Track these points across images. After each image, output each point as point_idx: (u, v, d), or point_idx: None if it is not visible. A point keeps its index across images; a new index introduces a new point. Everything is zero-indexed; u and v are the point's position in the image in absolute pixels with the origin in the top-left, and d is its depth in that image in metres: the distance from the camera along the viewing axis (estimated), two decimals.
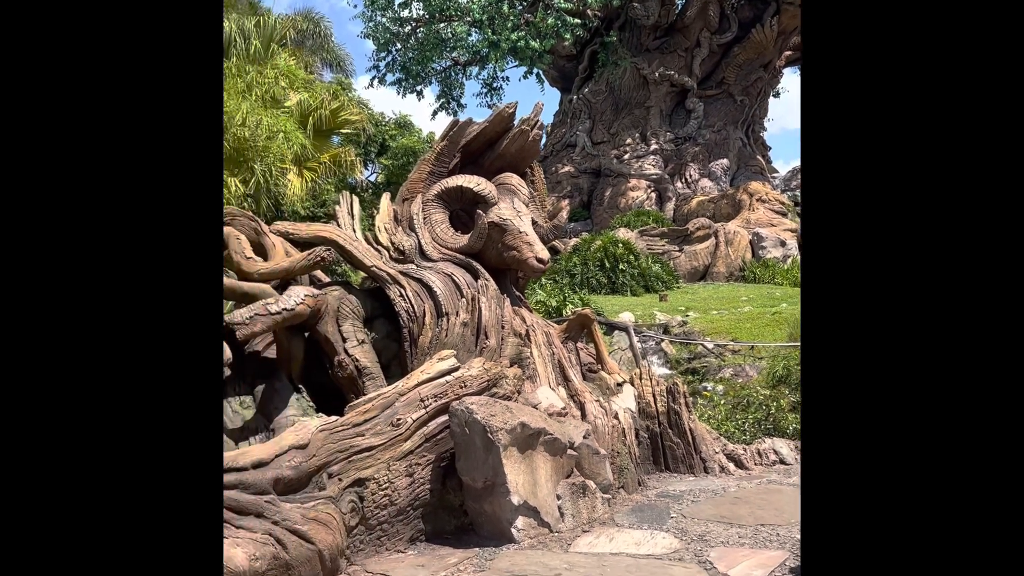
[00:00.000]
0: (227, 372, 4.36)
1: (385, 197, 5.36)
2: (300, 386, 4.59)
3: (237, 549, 2.62)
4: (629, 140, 23.89)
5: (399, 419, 3.55)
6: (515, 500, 3.44)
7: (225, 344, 3.91)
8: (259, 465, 2.96)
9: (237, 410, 4.35)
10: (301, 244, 5.02)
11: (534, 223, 5.08)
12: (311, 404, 4.51)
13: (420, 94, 24.27)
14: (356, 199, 5.39)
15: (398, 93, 23.20)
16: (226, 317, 4.19)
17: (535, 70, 22.41)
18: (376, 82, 23.01)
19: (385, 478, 3.38)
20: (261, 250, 4.79)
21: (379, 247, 5.00)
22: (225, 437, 4.01)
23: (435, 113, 26.24)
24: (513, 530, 3.44)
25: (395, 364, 4.78)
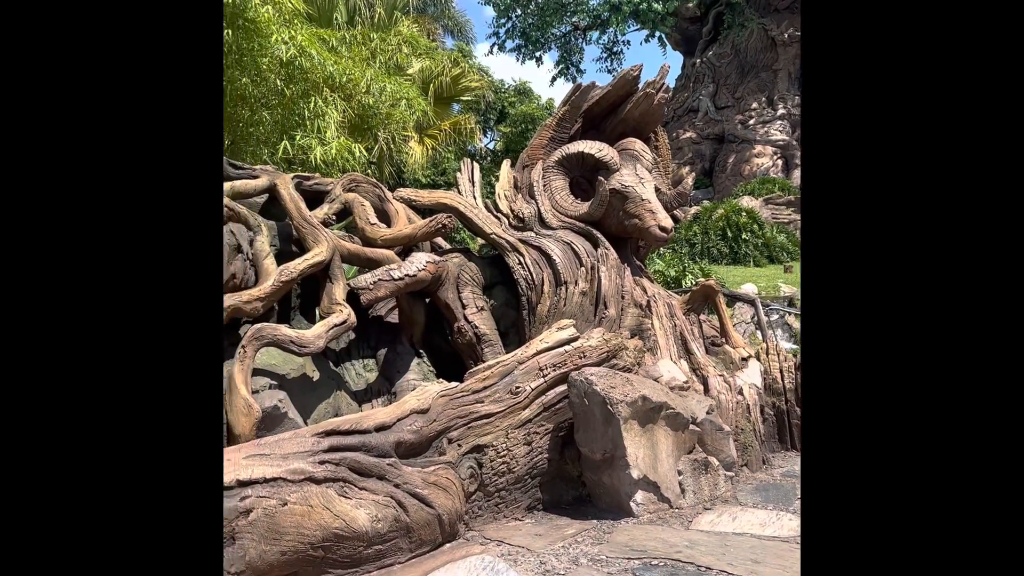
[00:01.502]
0: (351, 335, 4.47)
1: (505, 164, 5.32)
2: (421, 351, 4.65)
3: (360, 510, 2.67)
4: (755, 104, 22.96)
5: (518, 387, 3.53)
6: (635, 474, 3.36)
7: (350, 308, 4.00)
8: (381, 428, 3.00)
9: (360, 372, 4.46)
10: (422, 211, 5.07)
11: (657, 190, 4.93)
12: (431, 369, 4.57)
13: (539, 60, 24.10)
14: (477, 166, 5.38)
15: (517, 60, 23.13)
16: (351, 282, 4.28)
17: (657, 33, 21.82)
18: (495, 49, 23.01)
19: (503, 445, 3.38)
20: (384, 216, 4.86)
21: (499, 214, 4.98)
22: (349, 399, 4.12)
23: (554, 79, 26.03)
24: (632, 504, 3.37)
25: (513, 332, 4.77)
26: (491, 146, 23.46)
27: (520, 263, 4.63)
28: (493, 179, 8.85)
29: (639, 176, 4.80)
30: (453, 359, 4.69)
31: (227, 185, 4.25)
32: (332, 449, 2.77)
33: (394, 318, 4.78)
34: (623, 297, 4.52)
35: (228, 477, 2.49)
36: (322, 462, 2.70)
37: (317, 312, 4.56)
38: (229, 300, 3.50)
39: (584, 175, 5.01)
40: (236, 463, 2.57)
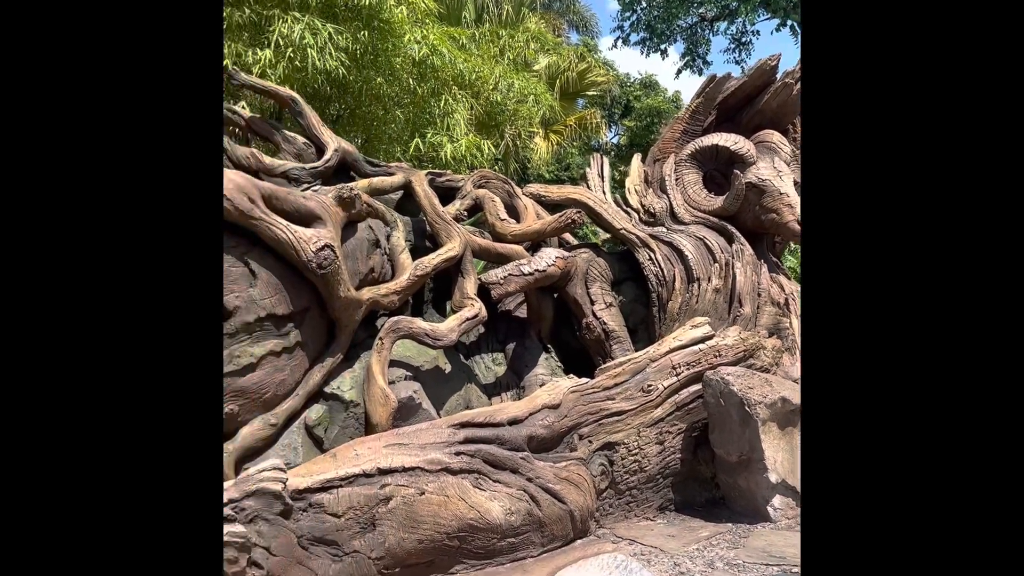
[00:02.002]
0: (481, 329, 4.53)
1: (636, 158, 5.25)
2: (548, 346, 4.66)
3: (494, 503, 2.70)
4: None
5: (650, 385, 3.48)
6: (773, 478, 3.25)
7: (481, 302, 4.05)
8: (514, 422, 3.02)
9: (489, 366, 4.51)
10: (550, 206, 5.07)
11: (796, 184, 4.74)
12: (559, 364, 4.57)
13: (664, 53, 23.62)
14: (606, 161, 5.33)
15: (641, 53, 22.77)
16: (481, 277, 4.33)
17: (789, 22, 20.97)
18: (620, 43, 22.74)
19: (635, 443, 3.33)
20: (514, 212, 4.88)
21: (628, 209, 4.92)
22: (478, 391, 4.17)
23: (679, 72, 25.47)
24: (769, 508, 3.25)
25: (642, 329, 4.70)
26: (615, 141, 23.26)
27: (651, 259, 4.56)
28: (617, 174, 8.76)
29: (777, 169, 4.63)
30: (581, 355, 4.67)
31: (364, 182, 4.38)
32: (467, 441, 2.81)
33: (522, 313, 4.81)
34: (759, 295, 4.38)
35: (369, 464, 2.56)
36: (458, 453, 2.75)
37: (448, 306, 4.65)
38: (368, 293, 3.61)
39: (718, 169, 4.87)
40: (377, 451, 2.65)
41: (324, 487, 2.48)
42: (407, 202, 4.76)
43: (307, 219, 3.39)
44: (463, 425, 2.89)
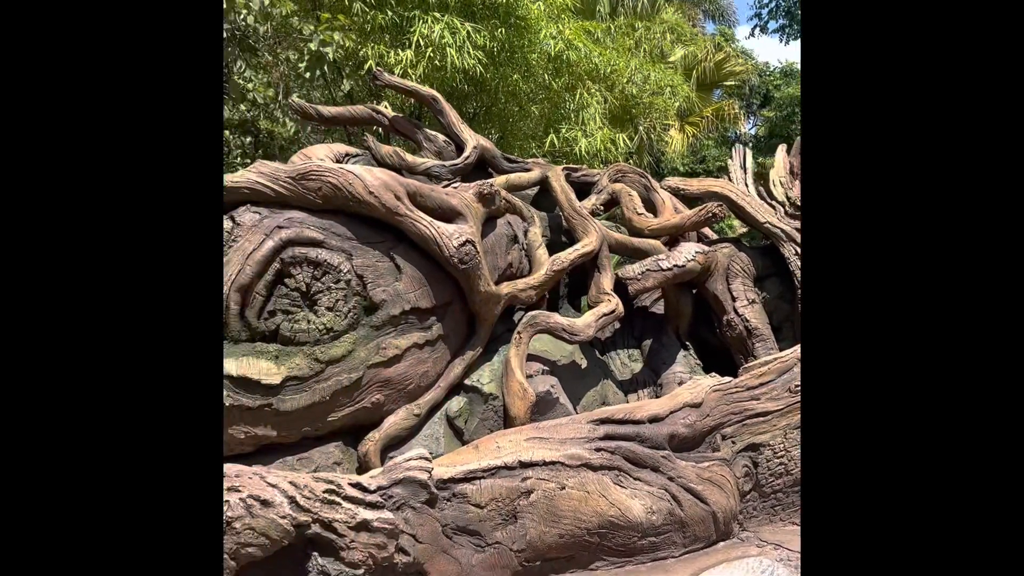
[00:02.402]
0: (616, 325, 4.49)
1: (781, 148, 5.06)
2: (687, 343, 4.57)
3: (635, 500, 2.67)
4: None
5: (798, 386, 3.34)
6: None
7: (618, 298, 4.02)
8: (655, 420, 2.98)
9: (625, 362, 4.47)
10: (688, 200, 4.96)
11: None
12: (698, 362, 4.47)
13: None
14: (749, 152, 5.16)
15: (780, 40, 21.88)
16: (618, 272, 4.29)
17: None
18: (757, 31, 21.97)
19: (781, 446, 3.21)
20: (651, 206, 4.82)
21: (773, 202, 4.74)
22: (615, 388, 4.14)
23: None
24: None
25: (787, 327, 4.53)
26: (754, 132, 22.51)
27: (797, 254, 4.38)
28: (755, 166, 8.46)
29: None
30: (720, 353, 4.55)
31: (502, 178, 4.43)
32: (607, 437, 2.80)
33: (659, 309, 4.74)
34: None
35: (511, 457, 2.59)
36: (598, 449, 2.73)
37: (583, 301, 4.64)
38: (507, 288, 3.65)
39: None
40: (518, 444, 2.68)
41: (467, 478, 2.52)
42: (542, 197, 4.79)
43: (449, 215, 3.47)
44: (603, 421, 2.88)
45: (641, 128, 10.16)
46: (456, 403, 3.46)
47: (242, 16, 6.35)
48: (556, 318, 3.69)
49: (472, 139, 4.58)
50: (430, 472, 2.44)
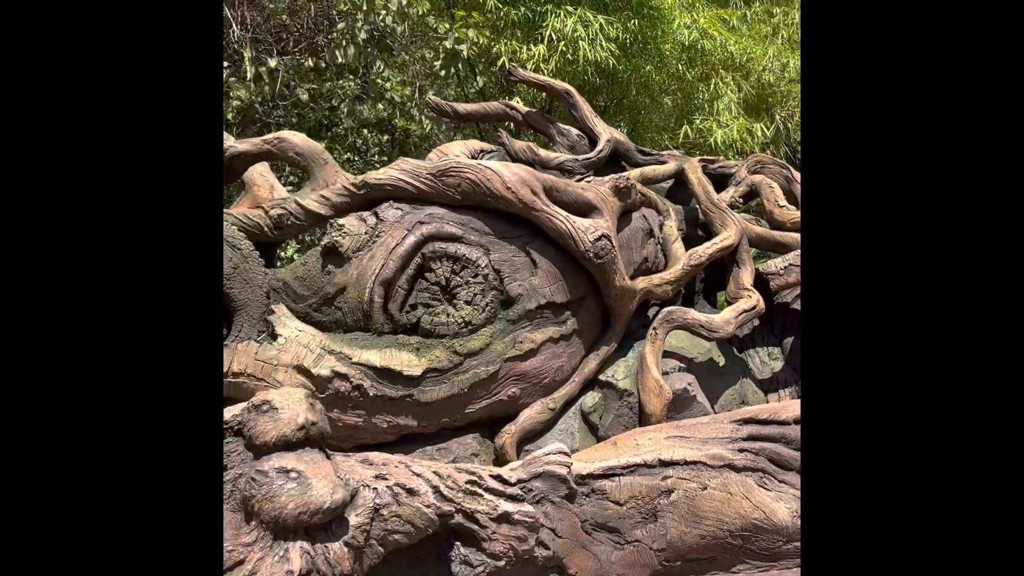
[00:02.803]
0: (756, 322, 4.35)
1: None
2: None
3: (780, 504, 2.58)
4: None
5: None
6: None
7: (758, 294, 3.89)
8: (801, 421, 2.86)
9: (765, 360, 4.32)
10: None
11: None
12: None
13: None
14: None
15: None
16: (759, 267, 4.15)
17: None
18: None
19: None
20: (792, 198, 4.63)
21: None
22: (754, 387, 4.01)
23: None
24: None
25: None
26: None
27: None
28: None
29: None
30: None
31: (637, 171, 4.38)
32: (751, 438, 2.71)
33: (800, 305, 4.55)
34: None
35: (651, 455, 2.56)
36: (741, 450, 2.66)
37: (719, 296, 4.51)
38: (642, 283, 3.60)
39: None
40: (657, 442, 2.64)
41: (606, 474, 2.51)
42: (678, 190, 4.69)
43: (585, 209, 3.45)
44: (746, 421, 2.79)
45: (778, 117, 9.79)
46: (591, 398, 3.45)
47: (380, 17, 6.57)
48: (693, 314, 3.61)
49: (606, 132, 4.54)
50: (569, 467, 2.44)
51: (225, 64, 6.92)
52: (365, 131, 7.36)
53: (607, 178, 3.84)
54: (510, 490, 2.35)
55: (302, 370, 2.96)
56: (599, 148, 4.40)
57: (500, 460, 3.18)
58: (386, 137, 7.57)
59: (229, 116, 6.76)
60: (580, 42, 6.84)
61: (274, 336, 3.01)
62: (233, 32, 6.67)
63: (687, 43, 7.66)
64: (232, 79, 6.81)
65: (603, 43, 6.96)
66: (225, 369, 2.92)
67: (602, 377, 3.50)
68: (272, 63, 6.77)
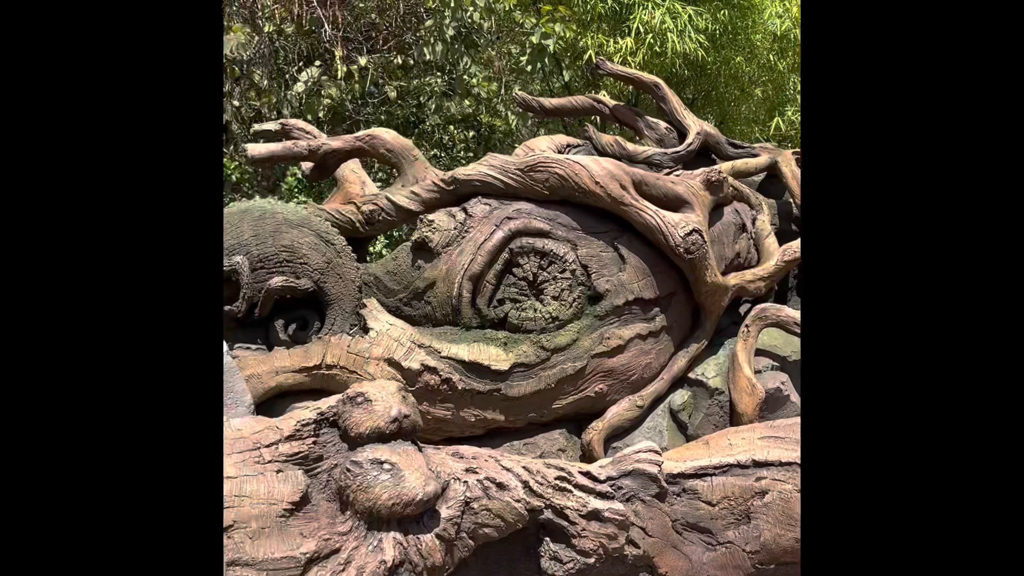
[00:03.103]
0: None
1: None
2: None
3: None
4: None
5: None
6: None
7: None
8: None
9: None
10: None
11: None
12: None
13: None
14: None
15: None
16: None
17: None
18: None
19: None
20: None
21: None
22: None
23: None
24: None
25: None
26: None
27: None
28: None
29: None
30: None
31: (728, 165, 4.28)
32: None
33: None
34: None
35: (744, 456, 2.51)
36: None
37: None
38: (734, 279, 3.53)
39: None
40: (751, 442, 2.58)
41: (698, 474, 2.47)
42: (770, 184, 4.57)
43: (675, 204, 3.40)
44: None
45: None
46: (680, 396, 3.39)
47: (468, 13, 6.61)
48: (787, 311, 3.51)
49: (695, 125, 4.45)
50: (660, 465, 2.41)
51: (317, 63, 7.09)
52: (451, 127, 7.43)
53: (698, 172, 3.77)
54: (600, 487, 2.34)
55: (393, 363, 3.01)
56: (688, 141, 4.32)
57: (587, 457, 3.17)
58: (471, 133, 7.63)
59: (320, 114, 6.93)
60: (668, 34, 6.73)
61: (366, 330, 3.07)
62: (325, 31, 6.82)
63: (778, 33, 7.44)
64: (324, 78, 6.98)
65: (692, 34, 6.83)
66: (319, 361, 3.00)
67: (692, 375, 3.44)
68: (362, 61, 6.90)
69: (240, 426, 2.15)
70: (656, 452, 2.45)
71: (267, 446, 2.08)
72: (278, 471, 2.04)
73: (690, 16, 6.83)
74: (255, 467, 2.02)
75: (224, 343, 2.73)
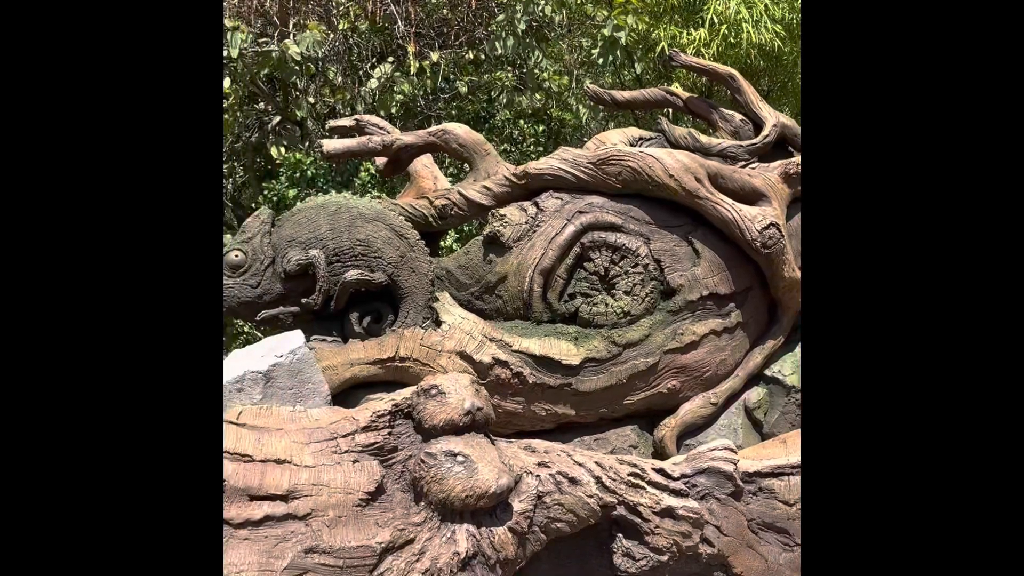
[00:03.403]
0: None
1: None
2: None
3: None
4: None
5: None
6: None
7: None
8: None
9: None
10: None
11: None
12: None
13: None
14: None
15: None
16: None
17: None
18: None
19: None
20: None
21: None
22: None
23: None
24: None
25: None
26: None
27: None
28: None
29: None
30: None
31: None
32: None
33: None
34: None
35: None
36: None
37: None
38: None
39: None
40: None
41: (775, 473, 2.42)
42: None
43: (752, 197, 3.33)
44: None
45: None
46: (755, 394, 3.33)
47: (540, 7, 6.60)
48: None
49: (772, 117, 4.33)
50: (735, 464, 2.37)
51: (390, 60, 7.18)
52: (521, 121, 7.43)
53: (775, 164, 3.68)
54: (673, 484, 2.31)
55: (464, 356, 3.03)
56: (765, 133, 4.21)
57: (659, 453, 3.13)
58: (541, 127, 7.61)
59: (393, 110, 7.01)
60: (743, 24, 6.59)
61: (438, 323, 3.09)
62: (398, 28, 6.90)
63: None
64: (396, 74, 7.06)
65: (768, 24, 6.67)
66: (392, 354, 3.04)
67: (768, 372, 3.37)
68: (434, 57, 6.95)
69: (318, 416, 2.19)
70: (732, 450, 2.41)
71: (344, 436, 2.12)
72: (354, 461, 2.08)
73: (766, 5, 6.68)
74: (332, 456, 2.07)
75: (301, 334, 2.80)
